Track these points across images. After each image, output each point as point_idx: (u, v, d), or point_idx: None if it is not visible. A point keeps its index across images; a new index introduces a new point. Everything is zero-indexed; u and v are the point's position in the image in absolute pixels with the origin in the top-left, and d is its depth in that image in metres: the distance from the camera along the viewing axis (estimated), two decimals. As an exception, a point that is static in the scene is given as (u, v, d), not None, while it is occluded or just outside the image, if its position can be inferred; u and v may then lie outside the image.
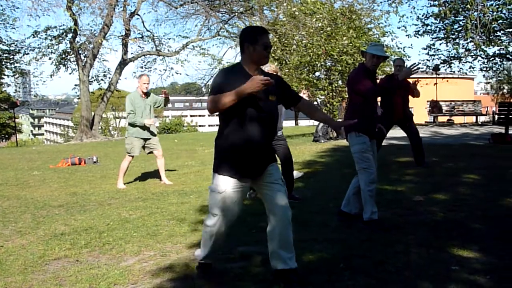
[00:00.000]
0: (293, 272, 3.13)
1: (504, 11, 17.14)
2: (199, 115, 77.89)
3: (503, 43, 18.51)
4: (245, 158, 3.06)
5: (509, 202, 5.32)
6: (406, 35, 18.79)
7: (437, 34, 19.78)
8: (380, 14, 17.50)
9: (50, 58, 22.62)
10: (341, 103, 16.40)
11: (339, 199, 4.98)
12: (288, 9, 16.63)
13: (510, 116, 11.86)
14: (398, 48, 17.81)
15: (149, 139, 7.40)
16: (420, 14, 36.05)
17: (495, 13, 16.48)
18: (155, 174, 8.20)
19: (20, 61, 23.13)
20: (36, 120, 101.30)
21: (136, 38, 22.71)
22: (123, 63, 22.82)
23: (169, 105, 7.89)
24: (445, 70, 21.10)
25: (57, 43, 22.35)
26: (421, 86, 8.20)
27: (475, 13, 15.70)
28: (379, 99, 7.39)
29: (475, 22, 15.81)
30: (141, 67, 23.83)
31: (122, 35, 22.38)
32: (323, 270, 3.39)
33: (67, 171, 9.56)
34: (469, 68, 20.65)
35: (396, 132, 10.54)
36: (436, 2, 18.06)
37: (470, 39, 17.40)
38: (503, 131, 11.87)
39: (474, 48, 18.72)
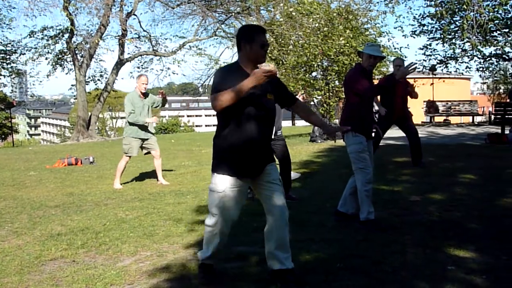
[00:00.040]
0: (289, 272, 3.13)
1: (500, 12, 17.19)
2: (196, 115, 77.96)
3: (499, 43, 18.54)
4: (244, 157, 3.06)
5: (506, 202, 5.33)
6: (403, 35, 18.76)
7: (434, 34, 19.80)
8: (376, 15, 17.48)
9: (46, 58, 22.57)
10: (338, 104, 16.40)
11: (336, 199, 4.99)
12: (285, 9, 16.62)
13: (506, 116, 11.90)
14: (395, 48, 17.79)
15: (147, 139, 7.39)
16: (416, 14, 36.29)
17: (491, 14, 16.51)
18: (152, 175, 8.19)
19: (17, 61, 23.03)
20: (33, 120, 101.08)
21: (133, 38, 22.72)
22: (119, 63, 22.78)
23: (166, 105, 7.87)
24: (442, 70, 21.13)
25: (54, 43, 22.31)
26: (417, 86, 8.24)
27: (471, 14, 15.73)
28: (379, 99, 7.44)
29: (471, 22, 15.83)
30: (138, 67, 23.84)
31: (118, 35, 22.36)
32: (320, 270, 3.39)
33: (63, 171, 9.54)
34: (466, 68, 20.70)
35: (393, 132, 10.57)
36: (433, 3, 18.07)
37: (467, 39, 17.42)
38: (499, 131, 11.90)
39: (471, 48, 18.75)
